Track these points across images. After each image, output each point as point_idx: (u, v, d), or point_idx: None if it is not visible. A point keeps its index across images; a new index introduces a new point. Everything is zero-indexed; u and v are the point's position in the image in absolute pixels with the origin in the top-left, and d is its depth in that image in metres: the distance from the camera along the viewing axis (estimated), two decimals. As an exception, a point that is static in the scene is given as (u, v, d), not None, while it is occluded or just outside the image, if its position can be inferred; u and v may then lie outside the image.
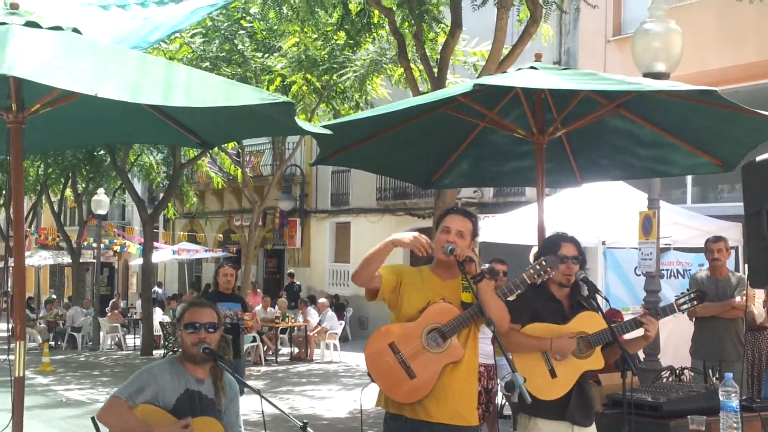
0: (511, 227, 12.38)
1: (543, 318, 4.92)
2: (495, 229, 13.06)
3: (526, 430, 4.92)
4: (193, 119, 5.31)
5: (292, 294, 24.82)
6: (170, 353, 17.38)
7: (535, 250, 6.30)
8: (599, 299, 5.09)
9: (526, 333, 4.88)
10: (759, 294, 8.76)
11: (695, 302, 5.02)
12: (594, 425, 5.01)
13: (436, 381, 4.45)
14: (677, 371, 7.15)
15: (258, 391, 4.28)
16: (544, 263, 4.66)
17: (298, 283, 26.33)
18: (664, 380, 6.92)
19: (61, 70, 3.60)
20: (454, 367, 4.50)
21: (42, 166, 27.47)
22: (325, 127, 5.11)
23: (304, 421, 4.19)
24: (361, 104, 17.89)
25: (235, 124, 5.26)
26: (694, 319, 8.57)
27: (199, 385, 4.44)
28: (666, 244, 11.31)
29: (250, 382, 5.49)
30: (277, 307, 21.52)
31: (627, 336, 5.13)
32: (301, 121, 4.49)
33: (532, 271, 4.66)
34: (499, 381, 8.48)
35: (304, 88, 17.06)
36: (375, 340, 4.55)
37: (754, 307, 8.77)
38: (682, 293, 5.15)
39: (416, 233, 4.51)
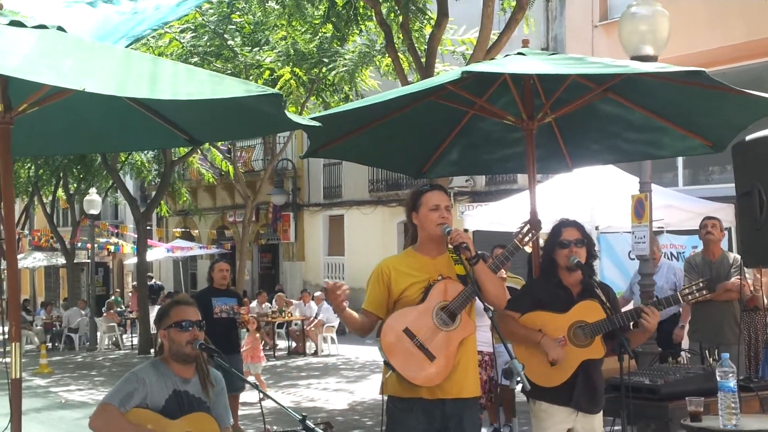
0: (503, 215, 12.36)
1: (547, 305, 4.93)
2: (488, 217, 13.06)
3: (532, 413, 4.98)
4: (182, 116, 5.29)
5: (153, 291, 26.74)
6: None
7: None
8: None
9: (523, 322, 4.90)
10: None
11: (704, 292, 4.95)
12: (601, 412, 5.02)
13: (455, 359, 4.52)
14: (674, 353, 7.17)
15: (256, 386, 4.28)
16: (528, 226, 4.73)
17: (159, 282, 27.84)
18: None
19: (46, 67, 3.58)
20: (463, 342, 4.58)
21: (33, 167, 27.39)
22: (314, 119, 5.10)
23: (303, 414, 4.19)
24: (351, 96, 17.86)
25: (224, 120, 5.23)
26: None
27: (186, 384, 4.39)
28: (659, 227, 11.31)
29: (248, 378, 5.48)
30: (274, 301, 21.49)
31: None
32: (290, 114, 4.48)
33: (520, 236, 4.73)
34: (498, 368, 8.49)
35: (292, 82, 17.01)
36: (389, 329, 4.56)
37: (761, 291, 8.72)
38: (689, 284, 5.12)
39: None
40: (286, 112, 4.28)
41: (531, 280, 5.04)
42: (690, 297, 4.97)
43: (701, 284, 4.97)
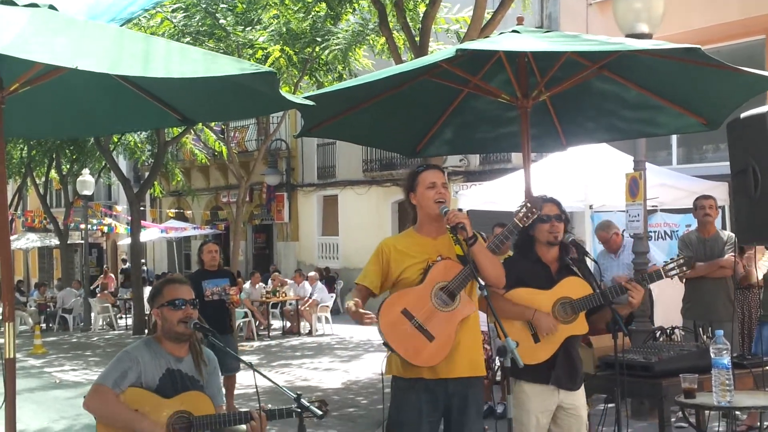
0: (498, 194, 12.36)
1: (528, 282, 4.93)
2: (482, 196, 13.04)
3: (513, 395, 4.96)
4: (175, 95, 5.25)
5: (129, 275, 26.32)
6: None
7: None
8: (588, 261, 5.11)
9: (510, 298, 4.89)
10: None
11: (684, 268, 5.03)
12: (582, 388, 5.04)
13: (454, 339, 4.51)
14: (668, 331, 7.18)
15: (251, 365, 4.27)
16: (529, 204, 4.72)
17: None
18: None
19: (38, 45, 3.54)
20: (464, 321, 4.58)
21: (25, 148, 27.31)
22: (307, 98, 5.07)
23: (298, 392, 4.19)
24: (344, 75, 17.79)
25: (217, 99, 5.20)
26: (684, 280, 8.59)
27: (179, 363, 4.39)
28: (653, 206, 11.32)
29: (243, 357, 5.49)
30: (270, 282, 21.50)
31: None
32: (284, 93, 4.45)
33: (521, 215, 4.72)
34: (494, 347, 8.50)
35: (282, 60, 16.92)
36: (387, 309, 4.54)
37: (754, 268, 8.76)
38: (671, 258, 5.18)
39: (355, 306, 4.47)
40: (280, 90, 4.25)
41: (510, 258, 5.04)
42: (672, 273, 5.01)
43: (681, 260, 5.04)
